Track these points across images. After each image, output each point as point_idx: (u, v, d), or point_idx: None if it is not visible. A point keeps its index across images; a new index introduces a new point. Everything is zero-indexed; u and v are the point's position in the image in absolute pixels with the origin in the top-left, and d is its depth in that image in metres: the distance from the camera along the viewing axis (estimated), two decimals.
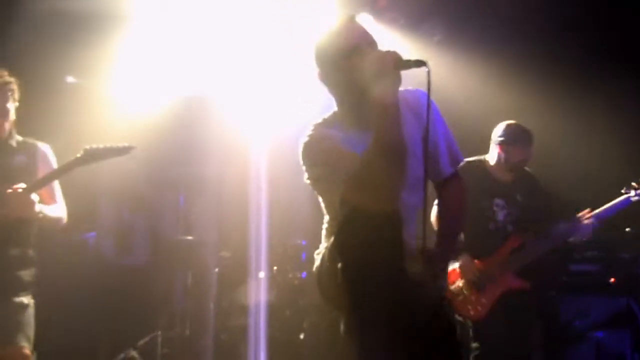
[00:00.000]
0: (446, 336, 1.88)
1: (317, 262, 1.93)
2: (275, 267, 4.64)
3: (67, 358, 4.10)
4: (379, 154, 1.70)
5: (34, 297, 2.82)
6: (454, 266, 3.36)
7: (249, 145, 4.80)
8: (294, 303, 4.49)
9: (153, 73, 4.51)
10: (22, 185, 2.67)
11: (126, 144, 2.79)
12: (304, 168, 1.91)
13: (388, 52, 1.77)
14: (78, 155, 2.72)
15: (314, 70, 1.97)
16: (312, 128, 1.92)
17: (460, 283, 3.33)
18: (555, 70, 4.23)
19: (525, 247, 3.33)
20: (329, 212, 1.97)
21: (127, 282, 4.69)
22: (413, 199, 1.87)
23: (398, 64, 1.74)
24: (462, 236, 3.26)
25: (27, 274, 2.78)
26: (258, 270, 4.52)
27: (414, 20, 4.14)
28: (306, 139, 1.89)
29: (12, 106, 2.76)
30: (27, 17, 3.78)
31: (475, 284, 3.29)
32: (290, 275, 4.57)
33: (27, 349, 2.73)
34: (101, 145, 2.74)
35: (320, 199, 1.98)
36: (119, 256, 4.84)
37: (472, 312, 3.30)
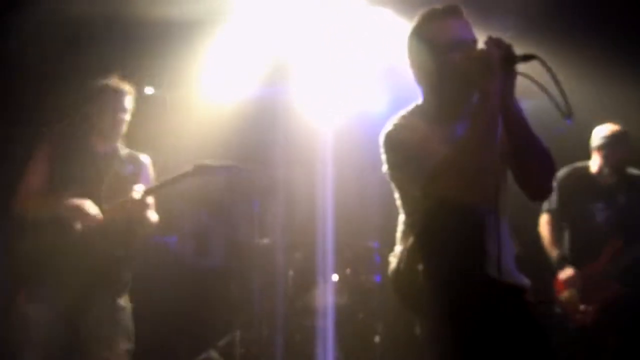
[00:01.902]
0: (534, 339, 1.83)
1: (392, 265, 1.91)
2: (347, 270, 4.65)
3: (149, 357, 4.27)
4: (475, 148, 1.68)
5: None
6: (560, 277, 3.45)
7: (321, 146, 4.83)
8: (367, 306, 4.49)
9: (226, 78, 4.63)
10: (142, 187, 2.83)
11: (232, 164, 3.01)
12: (383, 157, 1.88)
13: (494, 49, 1.74)
14: (190, 169, 2.90)
15: (405, 59, 1.94)
16: (396, 118, 1.90)
17: (566, 293, 3.42)
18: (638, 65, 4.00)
19: (624, 252, 3.34)
20: (405, 207, 1.93)
21: (206, 284, 4.84)
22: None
23: (505, 60, 1.72)
24: (563, 248, 3.47)
25: (128, 275, 2.94)
26: (326, 272, 4.55)
27: (485, 17, 4.04)
28: (390, 127, 1.87)
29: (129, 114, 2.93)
30: (107, 29, 3.96)
31: (580, 294, 3.35)
32: (363, 278, 4.57)
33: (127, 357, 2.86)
34: (210, 162, 2.94)
35: (396, 194, 1.95)
36: (198, 258, 5.00)
37: (579, 321, 3.39)
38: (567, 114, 1.74)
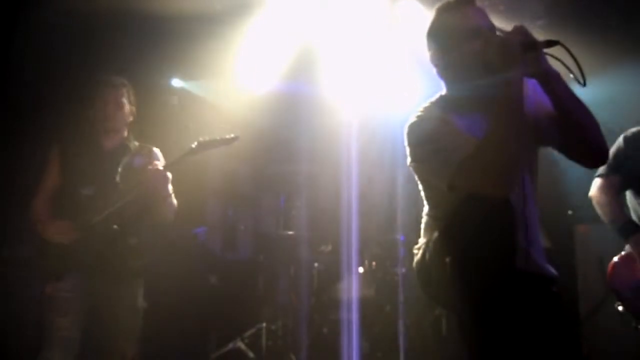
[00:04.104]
0: (562, 332, 1.79)
1: (417, 257, 1.88)
2: (374, 263, 4.64)
3: (179, 348, 4.34)
4: (502, 139, 1.64)
5: (144, 289, 3.02)
6: (623, 257, 2.78)
7: (346, 139, 4.82)
8: (393, 299, 4.47)
9: (253, 72, 4.63)
10: (160, 163, 2.95)
11: (232, 135, 3.02)
12: (408, 150, 1.86)
13: (515, 36, 1.71)
14: (193, 145, 2.96)
15: (426, 52, 1.93)
16: (419, 110, 1.87)
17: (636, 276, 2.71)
18: None
19: None
20: (429, 199, 1.91)
21: (233, 276, 4.89)
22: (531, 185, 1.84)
23: (526, 47, 1.68)
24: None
25: (139, 263, 2.99)
26: (351, 265, 4.55)
27: (514, 5, 3.96)
28: (414, 119, 1.84)
29: (127, 105, 3.05)
30: (136, 22, 3.99)
31: None
32: (389, 271, 4.55)
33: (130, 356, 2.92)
34: (211, 137, 2.99)
35: (421, 186, 1.92)
36: (225, 251, 5.05)
37: None
38: (583, 82, 1.75)
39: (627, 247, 2.81)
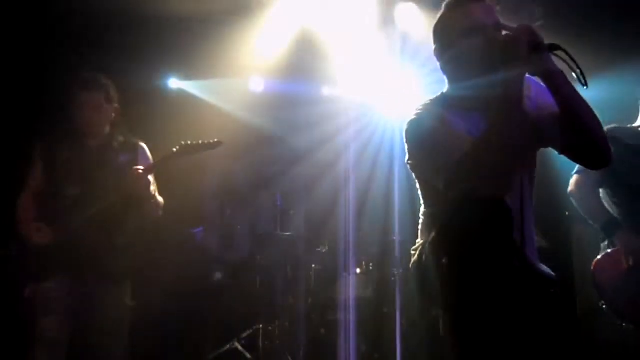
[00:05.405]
0: (558, 332, 1.80)
1: (414, 258, 1.88)
2: (371, 263, 4.64)
3: (175, 349, 4.33)
4: (500, 138, 1.63)
5: (133, 288, 2.97)
6: (607, 254, 2.78)
7: (345, 140, 4.82)
8: (391, 299, 4.47)
9: (252, 70, 4.63)
10: (140, 167, 2.86)
11: (216, 140, 2.94)
12: (406, 147, 1.85)
13: (523, 34, 1.69)
14: (174, 149, 2.89)
15: (432, 46, 1.93)
16: (420, 107, 1.86)
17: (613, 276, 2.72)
18: None
19: None
20: (426, 199, 1.90)
21: (230, 276, 4.88)
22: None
23: (533, 47, 1.68)
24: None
25: (125, 264, 2.92)
26: (348, 265, 4.54)
27: (512, 6, 3.97)
28: (412, 117, 1.83)
29: (107, 105, 2.95)
30: (133, 22, 3.98)
31: None
32: (387, 272, 4.55)
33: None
34: (194, 142, 2.92)
35: (418, 185, 1.92)
36: (222, 251, 5.04)
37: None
38: (585, 83, 1.75)
39: (604, 246, 2.83)
